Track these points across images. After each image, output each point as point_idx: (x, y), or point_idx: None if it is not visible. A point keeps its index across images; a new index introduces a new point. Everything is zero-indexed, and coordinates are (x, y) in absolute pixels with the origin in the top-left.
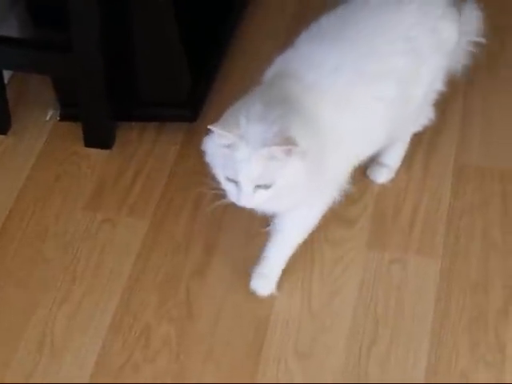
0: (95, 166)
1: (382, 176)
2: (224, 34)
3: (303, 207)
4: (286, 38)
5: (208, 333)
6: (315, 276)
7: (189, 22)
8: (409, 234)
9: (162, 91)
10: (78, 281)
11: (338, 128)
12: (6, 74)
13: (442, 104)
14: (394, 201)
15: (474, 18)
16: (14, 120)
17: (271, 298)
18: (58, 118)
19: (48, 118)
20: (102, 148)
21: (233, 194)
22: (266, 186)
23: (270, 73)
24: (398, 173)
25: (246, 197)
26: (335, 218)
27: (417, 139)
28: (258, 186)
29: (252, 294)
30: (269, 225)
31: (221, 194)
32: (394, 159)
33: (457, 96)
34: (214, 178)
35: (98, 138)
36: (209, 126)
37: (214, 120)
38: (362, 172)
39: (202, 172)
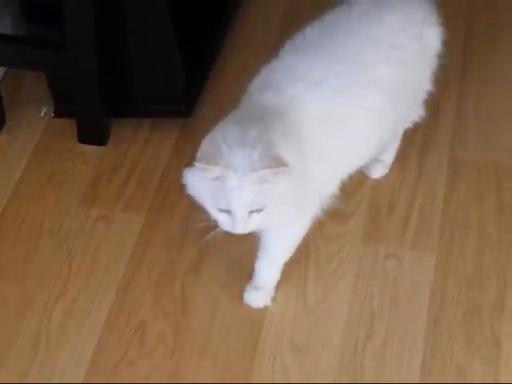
0: (90, 163)
1: (377, 171)
2: (218, 32)
3: (289, 221)
4: (280, 35)
5: (203, 329)
6: (310, 271)
7: (183, 19)
8: (404, 228)
9: (157, 87)
10: (73, 278)
11: (322, 140)
12: (0, 71)
13: (436, 99)
14: (388, 196)
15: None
16: (8, 117)
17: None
18: (53, 115)
19: (42, 114)
20: (96, 144)
21: (226, 224)
22: (259, 209)
23: (254, 84)
24: (392, 168)
25: (241, 224)
26: (330, 213)
27: (411, 134)
28: (251, 211)
29: None
30: None
31: (211, 226)
32: (387, 154)
33: (451, 90)
34: (202, 210)
35: (93, 134)
36: (195, 163)
37: (209, 117)
38: None
39: None
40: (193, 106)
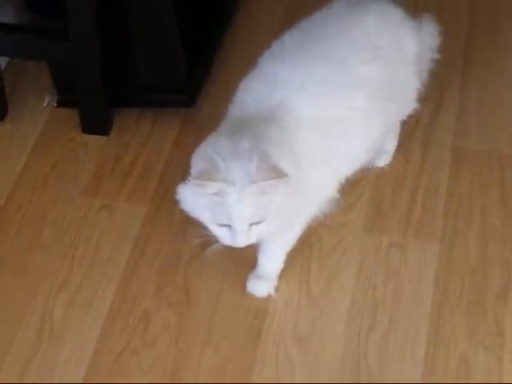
0: (93, 153)
1: (381, 160)
2: (220, 22)
3: (288, 225)
4: (282, 26)
5: (207, 318)
6: (313, 261)
7: (185, 8)
8: (407, 218)
9: (159, 77)
10: (76, 267)
11: (314, 144)
12: (3, 61)
13: (439, 87)
14: (392, 185)
15: (430, 34)
16: (11, 107)
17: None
18: (55, 105)
19: (45, 104)
20: (99, 134)
21: (227, 238)
22: (259, 221)
23: (238, 94)
24: (395, 157)
25: (242, 237)
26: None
27: (414, 123)
28: (251, 224)
29: None
30: None
31: (212, 238)
32: (389, 143)
33: (454, 80)
34: (200, 225)
35: (96, 124)
36: (189, 179)
37: (211, 105)
38: None
39: None
40: (195, 96)
